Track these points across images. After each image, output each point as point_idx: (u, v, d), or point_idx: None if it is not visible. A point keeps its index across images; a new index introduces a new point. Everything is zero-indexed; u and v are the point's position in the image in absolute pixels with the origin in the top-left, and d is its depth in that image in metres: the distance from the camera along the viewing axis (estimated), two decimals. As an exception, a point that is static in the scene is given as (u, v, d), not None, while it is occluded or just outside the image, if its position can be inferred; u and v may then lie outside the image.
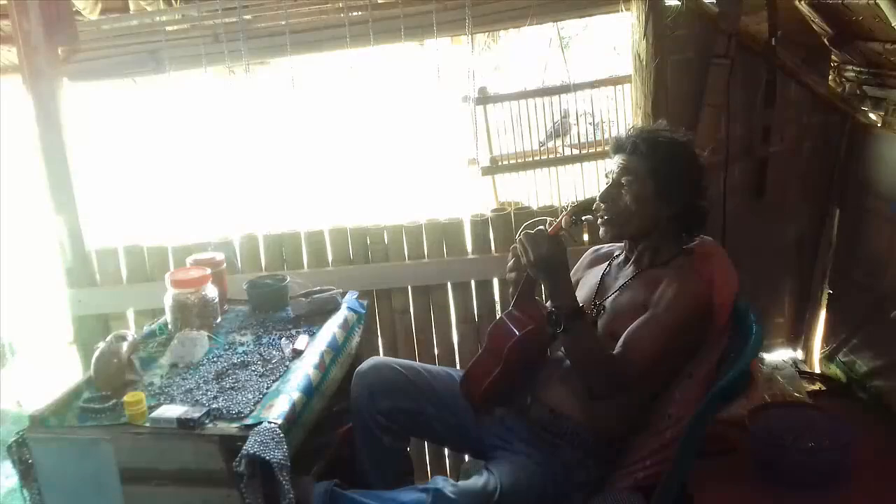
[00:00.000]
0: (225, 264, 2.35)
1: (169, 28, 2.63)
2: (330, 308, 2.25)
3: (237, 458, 1.56)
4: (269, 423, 1.64)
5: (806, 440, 2.36)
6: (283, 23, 2.53)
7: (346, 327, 2.20)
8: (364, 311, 2.34)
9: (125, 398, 1.70)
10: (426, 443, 2.73)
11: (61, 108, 2.53)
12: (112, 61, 2.63)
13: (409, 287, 2.69)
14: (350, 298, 2.33)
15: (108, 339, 1.90)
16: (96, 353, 1.86)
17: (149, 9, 2.72)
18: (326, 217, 3.76)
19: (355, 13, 2.61)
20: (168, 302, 2.13)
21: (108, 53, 2.63)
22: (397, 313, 2.71)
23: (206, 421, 1.67)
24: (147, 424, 1.68)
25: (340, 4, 2.59)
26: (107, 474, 1.69)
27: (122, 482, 1.69)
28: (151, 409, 1.71)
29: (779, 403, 2.64)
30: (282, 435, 1.62)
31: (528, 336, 1.88)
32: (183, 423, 1.65)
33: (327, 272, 2.63)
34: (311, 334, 2.09)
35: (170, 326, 2.14)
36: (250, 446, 1.57)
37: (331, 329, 2.13)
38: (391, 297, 2.70)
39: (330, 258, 2.68)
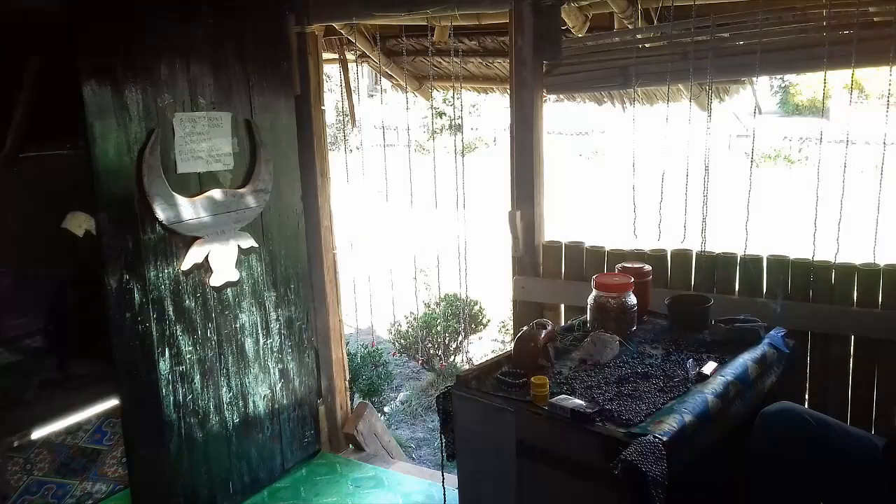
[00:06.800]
0: (651, 276, 2.40)
1: (642, 45, 2.74)
2: (749, 340, 2.14)
3: (614, 461, 1.61)
4: (655, 437, 1.64)
5: None
6: (756, 41, 2.45)
7: (763, 364, 2.07)
8: (787, 352, 2.17)
9: (532, 379, 1.87)
10: None
11: (537, 115, 2.84)
12: (586, 76, 2.84)
13: (852, 337, 2.40)
14: (775, 335, 2.19)
15: (531, 324, 2.11)
16: (518, 335, 2.08)
17: (630, 27, 2.86)
18: (768, 245, 3.51)
19: (843, 32, 2.40)
20: (590, 301, 2.26)
21: (584, 69, 2.84)
22: (832, 363, 2.45)
23: (597, 419, 1.75)
24: (545, 408, 1.82)
25: (824, 23, 2.41)
26: (506, 441, 1.89)
27: (516, 453, 1.87)
28: (553, 395, 1.86)
29: None
30: (664, 452, 1.62)
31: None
32: (575, 416, 1.75)
33: (757, 303, 2.49)
34: (722, 362, 2.02)
35: (588, 325, 2.28)
36: (630, 454, 1.60)
37: (745, 362, 2.03)
38: (829, 344, 2.45)
39: (764, 288, 2.53)
